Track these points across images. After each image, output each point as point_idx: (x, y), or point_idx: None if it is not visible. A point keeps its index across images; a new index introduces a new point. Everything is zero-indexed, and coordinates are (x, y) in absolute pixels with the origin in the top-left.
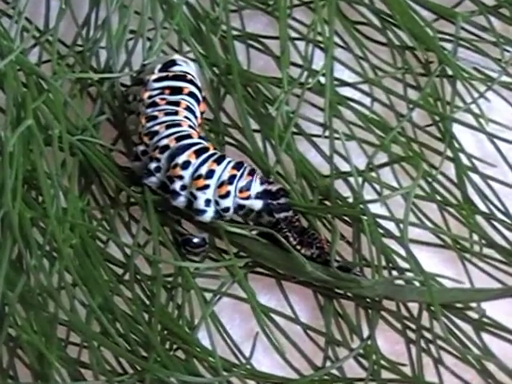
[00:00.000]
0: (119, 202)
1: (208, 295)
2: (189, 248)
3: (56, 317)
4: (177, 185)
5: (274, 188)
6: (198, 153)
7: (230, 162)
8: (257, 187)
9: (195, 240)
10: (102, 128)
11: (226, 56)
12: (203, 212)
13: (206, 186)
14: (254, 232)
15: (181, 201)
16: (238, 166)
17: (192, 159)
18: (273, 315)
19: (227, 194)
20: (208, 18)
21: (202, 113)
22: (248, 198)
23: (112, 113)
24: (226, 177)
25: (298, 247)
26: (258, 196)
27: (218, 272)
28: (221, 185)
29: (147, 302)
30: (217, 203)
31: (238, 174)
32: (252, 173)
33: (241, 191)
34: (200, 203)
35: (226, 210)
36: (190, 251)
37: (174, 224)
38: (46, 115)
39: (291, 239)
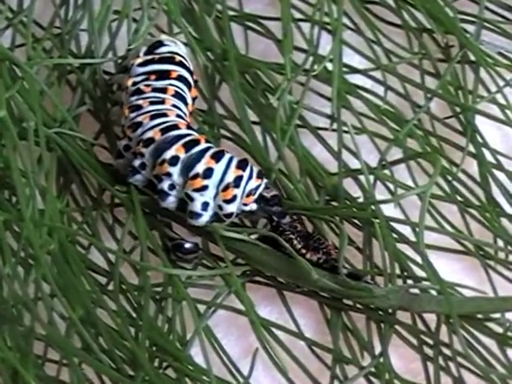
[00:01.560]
0: (102, 203)
1: (201, 307)
2: (180, 254)
3: (32, 331)
4: (165, 184)
5: (268, 194)
6: (186, 146)
7: (231, 159)
8: (260, 191)
9: (187, 245)
10: (82, 120)
11: (221, 39)
12: (199, 216)
13: (204, 187)
14: (253, 236)
15: (170, 201)
16: (243, 164)
17: (180, 153)
18: (274, 329)
19: (233, 199)
20: None
21: (193, 99)
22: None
23: (94, 103)
24: (231, 178)
25: (303, 251)
26: (257, 201)
27: (213, 281)
28: (226, 188)
29: (134, 315)
30: (220, 208)
31: (245, 174)
32: (261, 175)
33: (248, 195)
34: (196, 206)
35: (229, 215)
36: (181, 257)
37: (164, 227)
38: (21, 106)
39: (295, 242)
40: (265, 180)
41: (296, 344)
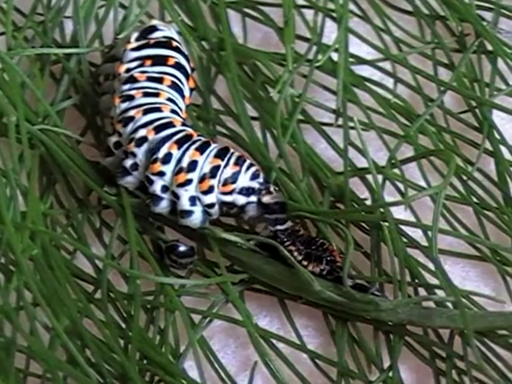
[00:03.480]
0: (89, 205)
1: (196, 317)
2: (174, 257)
3: (14, 342)
4: (157, 185)
5: (270, 200)
6: (179, 142)
7: (213, 149)
8: (244, 180)
9: (182, 248)
10: (67, 115)
11: (217, 28)
12: (189, 213)
13: (189, 181)
14: (252, 242)
15: (163, 206)
16: (222, 153)
17: (173, 151)
18: (274, 341)
19: (210, 190)
20: None
21: (191, 90)
22: (231, 192)
23: (80, 97)
24: (207, 169)
25: (305, 263)
26: (244, 192)
27: (209, 289)
28: (202, 179)
29: (123, 326)
30: (199, 199)
31: (222, 164)
32: (239, 162)
33: (224, 184)
34: (183, 202)
35: (211, 206)
36: (175, 261)
37: (156, 230)
38: (0, 99)
39: (296, 254)
40: (251, 167)
41: (298, 357)
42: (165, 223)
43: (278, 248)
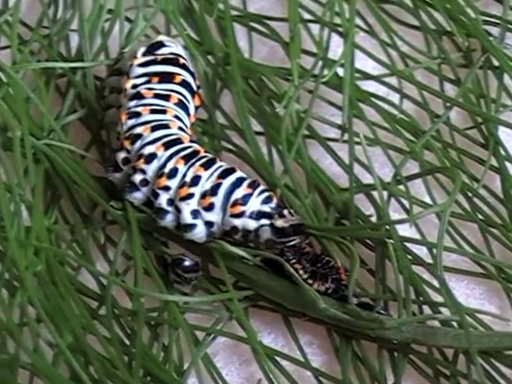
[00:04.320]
0: (93, 221)
1: (200, 334)
2: (179, 271)
3: (17, 359)
4: (163, 199)
5: (284, 224)
6: (186, 158)
7: (219, 167)
8: (255, 204)
9: (187, 263)
10: (72, 129)
11: (223, 42)
12: (192, 227)
13: (190, 195)
14: (258, 258)
15: (169, 220)
16: (226, 173)
17: (180, 166)
18: (278, 358)
19: (210, 206)
20: None
21: (196, 108)
22: (240, 215)
23: (85, 111)
24: (208, 185)
25: (310, 281)
26: (253, 217)
27: (213, 306)
28: (203, 195)
29: (127, 342)
30: (200, 215)
31: (225, 182)
32: (253, 185)
33: (234, 205)
34: (185, 216)
35: (210, 224)
36: (180, 276)
37: (161, 246)
38: (5, 113)
39: (301, 272)
40: (277, 207)
41: (302, 374)
42: (171, 238)
43: (284, 265)
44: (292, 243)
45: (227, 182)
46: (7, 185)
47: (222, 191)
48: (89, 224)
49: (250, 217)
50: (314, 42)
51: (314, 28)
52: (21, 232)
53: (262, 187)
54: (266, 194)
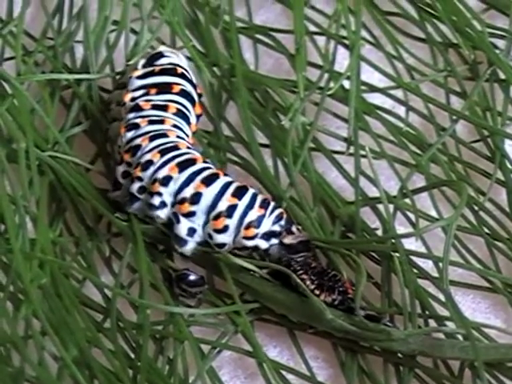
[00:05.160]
0: (98, 233)
1: (205, 347)
2: (184, 286)
3: (22, 372)
4: (156, 201)
5: (292, 241)
6: (181, 166)
7: (228, 184)
8: (267, 225)
9: (192, 277)
10: (77, 141)
11: (228, 53)
12: (184, 242)
13: (192, 213)
14: (264, 270)
15: (162, 215)
16: (239, 192)
17: (174, 173)
18: (284, 372)
19: (224, 229)
20: (208, 6)
21: (198, 116)
22: (253, 237)
23: (90, 123)
24: (223, 207)
25: (317, 292)
26: (265, 237)
27: (217, 319)
28: (217, 217)
29: (132, 355)
30: (210, 237)
31: (240, 203)
32: (264, 205)
33: (248, 227)
34: (182, 230)
35: (221, 246)
36: (185, 290)
37: (166, 259)
38: (10, 125)
39: (308, 282)
40: (286, 224)
41: None
42: (175, 250)
43: (291, 276)
44: (300, 259)
45: (242, 204)
46: (12, 197)
47: (237, 214)
48: (94, 236)
49: (262, 237)
50: (320, 55)
51: (320, 40)
52: (25, 244)
53: (272, 205)
54: (276, 213)
